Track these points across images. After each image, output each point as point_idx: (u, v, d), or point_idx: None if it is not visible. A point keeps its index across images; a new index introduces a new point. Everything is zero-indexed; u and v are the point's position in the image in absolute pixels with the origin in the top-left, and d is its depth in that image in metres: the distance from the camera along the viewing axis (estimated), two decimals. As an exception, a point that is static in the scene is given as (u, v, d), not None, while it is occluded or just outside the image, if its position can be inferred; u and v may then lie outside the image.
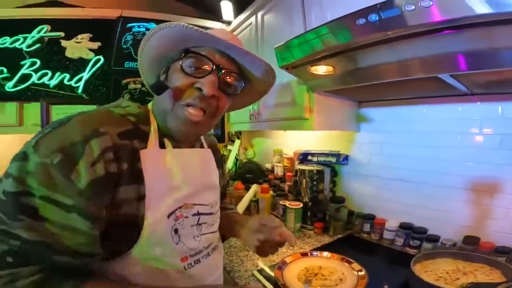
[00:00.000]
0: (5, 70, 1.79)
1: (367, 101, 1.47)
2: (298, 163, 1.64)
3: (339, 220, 1.40)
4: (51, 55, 1.88)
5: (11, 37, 1.81)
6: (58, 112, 1.83)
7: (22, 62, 1.82)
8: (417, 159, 1.26)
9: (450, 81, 0.90)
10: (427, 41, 0.73)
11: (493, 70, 0.75)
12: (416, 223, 1.24)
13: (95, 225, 0.51)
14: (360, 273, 0.95)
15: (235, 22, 2.03)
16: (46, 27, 1.87)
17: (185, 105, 0.60)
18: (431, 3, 0.63)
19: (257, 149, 2.49)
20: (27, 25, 1.84)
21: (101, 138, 0.52)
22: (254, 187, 1.71)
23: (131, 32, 2.03)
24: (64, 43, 1.90)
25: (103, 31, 1.98)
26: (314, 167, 1.50)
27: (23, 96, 1.82)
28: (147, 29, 2.04)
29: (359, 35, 0.80)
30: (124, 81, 2.02)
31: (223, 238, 0.85)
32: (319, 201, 1.48)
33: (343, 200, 1.48)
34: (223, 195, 0.99)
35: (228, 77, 0.64)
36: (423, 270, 0.92)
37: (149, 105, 0.69)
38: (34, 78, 1.83)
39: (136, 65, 0.70)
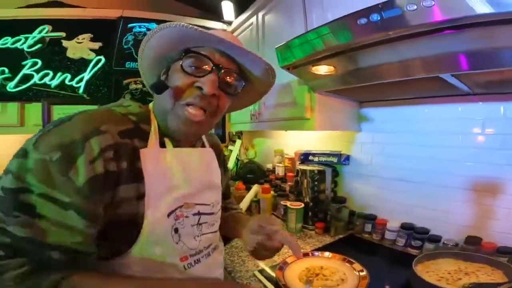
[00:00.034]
0: (6, 70, 1.80)
1: (368, 101, 1.47)
2: (299, 163, 1.64)
3: (341, 220, 1.40)
4: (53, 56, 1.88)
5: (12, 37, 1.82)
6: (59, 112, 1.84)
7: (24, 63, 1.83)
8: (419, 159, 1.26)
9: (452, 81, 0.90)
10: (428, 41, 0.73)
11: (495, 70, 0.75)
12: (418, 223, 1.23)
13: (92, 223, 0.51)
14: (361, 274, 0.95)
15: (236, 22, 2.03)
16: (48, 27, 1.88)
17: (185, 104, 0.60)
18: (433, 2, 0.62)
19: (258, 149, 2.49)
20: (28, 25, 1.84)
21: (101, 136, 0.52)
22: (255, 188, 1.71)
23: (132, 32, 2.04)
24: (65, 43, 1.91)
25: (104, 31, 1.98)
26: (315, 167, 1.49)
27: (25, 97, 1.83)
28: (148, 29, 2.05)
29: (360, 35, 0.80)
30: (125, 81, 2.02)
31: (228, 239, 0.83)
32: (320, 201, 1.48)
33: (345, 200, 1.48)
34: (227, 196, 0.98)
35: (228, 77, 0.64)
36: (425, 270, 0.92)
37: (150, 105, 0.69)
38: (36, 78, 1.83)
39: (137, 65, 0.71)
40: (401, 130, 1.33)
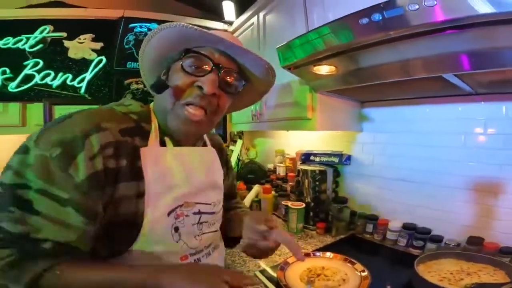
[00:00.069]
0: (8, 70, 1.80)
1: (369, 101, 1.46)
2: (301, 163, 1.64)
3: (342, 221, 1.39)
4: (54, 56, 1.88)
5: (14, 37, 1.82)
6: (61, 112, 1.83)
7: (25, 63, 1.83)
8: (420, 159, 1.26)
9: (454, 81, 0.89)
10: (430, 41, 0.72)
11: (496, 70, 0.74)
12: (419, 223, 1.23)
13: (89, 221, 0.51)
14: (363, 274, 0.95)
15: (237, 22, 2.03)
16: (49, 27, 1.88)
17: (185, 104, 0.60)
18: (435, 2, 0.62)
19: (259, 149, 2.49)
20: (30, 26, 1.85)
21: (101, 133, 0.53)
22: (256, 188, 1.71)
23: (133, 33, 2.04)
24: (66, 43, 1.91)
25: (105, 31, 1.98)
26: (316, 167, 1.49)
27: (26, 97, 1.83)
28: (149, 29, 2.05)
29: (362, 35, 0.80)
30: (126, 82, 2.02)
31: (237, 240, 0.78)
32: (321, 202, 1.47)
33: (346, 200, 1.48)
34: (234, 195, 0.98)
35: (228, 76, 0.64)
36: (427, 270, 0.92)
37: (151, 104, 0.69)
38: (37, 78, 1.83)
39: (138, 65, 0.71)
40: (403, 130, 1.33)
